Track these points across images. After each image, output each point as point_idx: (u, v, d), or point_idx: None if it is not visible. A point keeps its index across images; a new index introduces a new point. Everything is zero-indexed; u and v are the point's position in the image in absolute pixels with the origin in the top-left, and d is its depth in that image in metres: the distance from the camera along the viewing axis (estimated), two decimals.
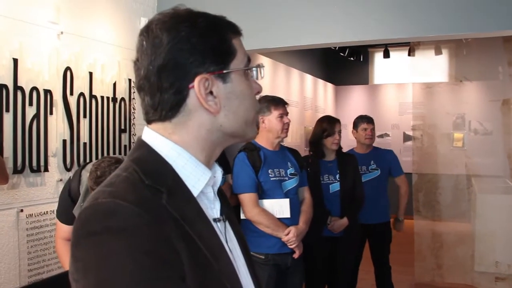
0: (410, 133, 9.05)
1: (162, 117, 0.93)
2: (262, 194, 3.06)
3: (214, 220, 0.96)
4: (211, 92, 0.92)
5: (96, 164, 2.10)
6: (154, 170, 0.89)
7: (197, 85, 0.90)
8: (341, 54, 9.13)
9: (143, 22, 3.63)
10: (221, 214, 0.99)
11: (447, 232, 5.97)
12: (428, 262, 5.80)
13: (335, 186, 3.82)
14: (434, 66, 7.05)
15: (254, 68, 1.00)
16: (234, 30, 0.97)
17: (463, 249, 5.70)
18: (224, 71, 0.93)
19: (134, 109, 3.67)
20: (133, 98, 3.66)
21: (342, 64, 9.90)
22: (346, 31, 3.66)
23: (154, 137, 0.94)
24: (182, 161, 0.93)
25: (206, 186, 0.96)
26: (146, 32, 0.93)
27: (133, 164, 0.90)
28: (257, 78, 1.01)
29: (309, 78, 8.45)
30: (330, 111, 9.21)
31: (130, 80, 3.60)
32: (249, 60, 1.00)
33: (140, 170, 0.88)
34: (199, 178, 0.94)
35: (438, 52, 7.32)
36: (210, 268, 0.85)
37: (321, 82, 9.15)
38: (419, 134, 6.54)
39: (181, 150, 0.93)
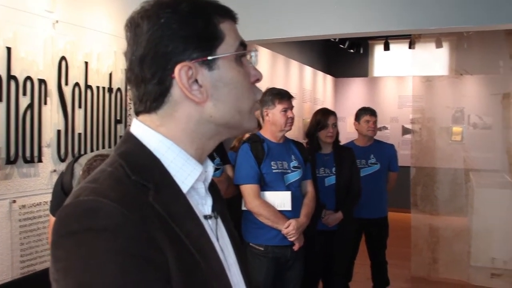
0: (408, 126, 9.05)
1: (147, 109, 0.90)
2: (264, 186, 3.07)
3: (205, 217, 0.92)
4: (196, 81, 0.87)
5: (88, 163, 2.06)
6: (141, 165, 0.85)
7: (178, 74, 0.85)
8: (341, 46, 9.07)
9: None
10: (213, 211, 0.95)
11: (444, 226, 5.97)
12: (425, 257, 5.81)
13: (331, 180, 3.82)
14: (434, 59, 7.02)
15: (252, 53, 0.94)
16: (222, 13, 0.91)
17: (459, 245, 5.71)
18: (209, 58, 0.87)
19: (130, 100, 3.63)
20: (129, 89, 3.62)
21: (342, 56, 9.86)
22: (346, 23, 3.63)
23: (143, 129, 0.90)
24: (172, 155, 0.88)
25: (197, 181, 0.91)
26: (130, 22, 0.90)
27: (119, 159, 0.85)
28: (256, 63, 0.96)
29: (308, 70, 8.40)
30: (329, 103, 9.18)
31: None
32: (242, 45, 0.93)
33: (127, 165, 0.83)
34: (189, 173, 0.89)
35: (438, 45, 7.27)
36: (197, 268, 0.82)
37: (320, 74, 9.11)
38: (418, 128, 6.54)
39: (170, 143, 0.89)
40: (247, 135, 3.31)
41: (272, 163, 3.09)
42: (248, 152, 3.10)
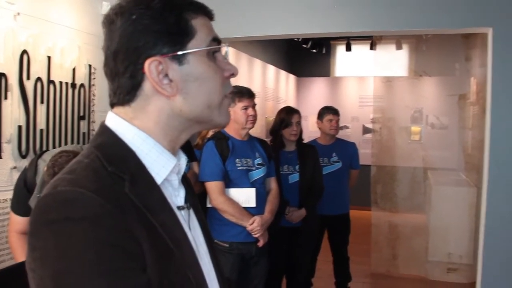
0: (369, 125, 9.21)
1: (121, 101, 0.92)
2: (228, 183, 3.09)
3: (178, 208, 0.95)
4: (167, 76, 0.89)
5: (53, 159, 2.03)
6: (117, 156, 0.87)
7: (148, 68, 0.88)
8: (304, 46, 9.15)
9: (105, 6, 3.53)
10: (185, 202, 0.98)
11: (404, 223, 6.12)
12: (384, 253, 5.93)
13: (294, 177, 3.87)
14: (394, 61, 7.19)
15: (225, 49, 0.98)
16: (195, 10, 0.94)
17: (418, 241, 5.85)
18: (179, 53, 0.90)
19: (94, 95, 3.57)
20: (93, 85, 3.56)
21: (305, 56, 9.94)
22: (309, 24, 3.66)
23: (118, 122, 0.92)
24: (147, 147, 0.91)
25: (171, 173, 0.94)
26: (106, 18, 0.92)
27: (96, 151, 0.87)
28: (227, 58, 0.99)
29: (271, 69, 8.45)
30: (291, 102, 9.25)
31: (90, 66, 3.49)
32: (216, 41, 0.96)
33: (103, 157, 0.85)
34: (163, 165, 0.92)
35: (398, 47, 7.45)
36: (172, 257, 0.84)
37: (283, 73, 9.17)
38: (378, 127, 6.66)
39: (145, 136, 0.92)
40: (211, 133, 3.33)
41: (237, 160, 3.11)
42: (213, 149, 3.11)
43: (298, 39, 8.59)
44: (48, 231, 0.75)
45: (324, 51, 10.00)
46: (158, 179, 0.90)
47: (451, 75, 7.04)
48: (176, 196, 0.96)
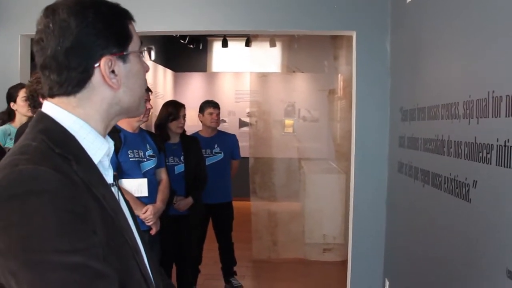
0: (245, 119, 9.51)
1: (68, 92, 1.04)
2: (121, 173, 3.12)
3: (110, 185, 1.09)
4: (113, 71, 1.05)
5: None
6: (61, 140, 1.00)
7: (103, 64, 1.04)
8: (182, 41, 9.20)
9: None
10: (114, 180, 1.13)
11: (281, 211, 6.42)
12: (265, 240, 6.19)
13: (180, 167, 4.04)
14: (269, 57, 7.51)
15: (151, 51, 1.16)
16: (129, 16, 1.13)
17: (295, 226, 6.20)
18: (124, 53, 1.08)
19: None
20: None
21: (182, 51, 9.95)
22: (189, 21, 3.74)
23: (57, 110, 1.05)
24: (84, 132, 1.05)
25: (103, 155, 1.08)
26: (52, 14, 1.02)
27: (41, 135, 0.99)
28: (151, 58, 1.17)
29: (148, 64, 8.40)
30: (169, 97, 9.22)
31: None
32: (141, 43, 1.14)
33: (48, 140, 0.97)
34: (99, 148, 1.07)
35: (272, 44, 7.82)
36: (113, 223, 1.00)
37: (160, 68, 9.15)
38: (254, 120, 6.92)
39: (83, 123, 1.05)
40: None
41: (129, 152, 3.17)
42: None
43: (176, 34, 8.63)
44: (12, 203, 0.86)
45: (201, 47, 10.13)
46: (95, 160, 1.05)
47: (321, 72, 7.48)
48: (106, 175, 1.10)
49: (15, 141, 3.11)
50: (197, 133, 4.82)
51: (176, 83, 10.13)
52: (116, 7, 1.10)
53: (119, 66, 1.07)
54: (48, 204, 0.86)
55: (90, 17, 1.02)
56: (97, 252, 0.90)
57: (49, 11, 1.03)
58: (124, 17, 1.10)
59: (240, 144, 5.12)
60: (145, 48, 1.18)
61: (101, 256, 0.91)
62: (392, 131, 3.43)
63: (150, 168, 3.30)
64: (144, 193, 3.17)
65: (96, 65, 1.04)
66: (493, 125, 1.76)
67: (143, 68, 1.15)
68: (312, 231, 6.06)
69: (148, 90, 3.29)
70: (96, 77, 1.05)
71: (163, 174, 3.47)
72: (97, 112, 1.07)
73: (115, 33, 1.06)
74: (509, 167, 1.63)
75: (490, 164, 1.78)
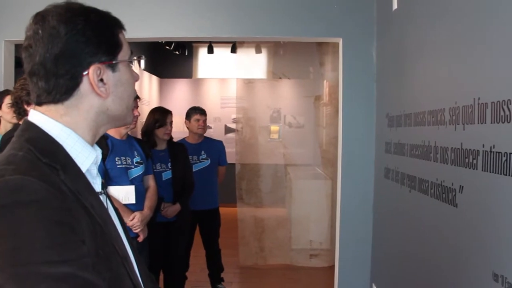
0: (231, 125, 9.51)
1: (56, 100, 1.03)
2: (108, 180, 3.10)
3: (98, 193, 1.08)
4: (101, 80, 1.04)
5: None
6: (48, 149, 0.98)
7: (92, 73, 1.03)
8: (167, 47, 9.19)
9: None
10: (102, 188, 1.12)
11: (268, 217, 6.42)
12: (252, 246, 6.19)
13: (167, 174, 4.03)
14: (255, 63, 7.51)
15: (140, 60, 1.16)
16: (120, 25, 1.11)
17: (282, 232, 6.21)
18: (114, 62, 1.07)
19: None
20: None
21: (167, 58, 9.94)
22: (175, 28, 3.73)
23: (44, 119, 1.03)
24: (71, 141, 1.03)
25: (91, 163, 1.07)
26: (42, 21, 1.00)
27: (27, 144, 0.97)
28: (141, 68, 1.16)
29: (134, 69, 8.37)
30: (154, 103, 9.20)
31: None
32: (131, 52, 1.14)
33: (35, 150, 0.96)
34: (86, 157, 1.05)
35: (258, 51, 7.82)
36: (102, 232, 0.99)
37: (146, 74, 9.12)
38: (240, 127, 6.90)
39: (70, 131, 1.04)
40: None
41: (116, 158, 3.16)
42: None
43: (162, 41, 8.62)
44: (0, 214, 0.85)
45: (186, 53, 10.12)
46: (83, 168, 1.04)
47: (306, 78, 7.52)
48: (94, 184, 1.09)
49: (1, 148, 3.08)
50: (183, 139, 4.81)
51: (161, 89, 10.10)
52: (107, 15, 1.09)
53: (108, 75, 1.06)
54: (36, 214, 0.85)
55: (80, 25, 1.01)
56: (86, 262, 0.89)
57: (39, 18, 1.02)
58: (114, 25, 1.09)
59: (226, 150, 5.11)
60: (135, 58, 1.17)
61: (90, 266, 0.90)
62: (379, 137, 3.46)
63: (138, 175, 3.29)
64: (132, 200, 3.17)
65: (85, 73, 1.03)
66: (479, 131, 1.79)
67: (133, 78, 1.14)
68: (299, 237, 6.08)
69: (136, 97, 3.28)
70: (84, 85, 1.04)
71: (150, 181, 3.47)
72: (85, 121, 1.06)
73: (104, 41, 1.05)
74: (495, 173, 1.66)
75: (476, 169, 1.80)
